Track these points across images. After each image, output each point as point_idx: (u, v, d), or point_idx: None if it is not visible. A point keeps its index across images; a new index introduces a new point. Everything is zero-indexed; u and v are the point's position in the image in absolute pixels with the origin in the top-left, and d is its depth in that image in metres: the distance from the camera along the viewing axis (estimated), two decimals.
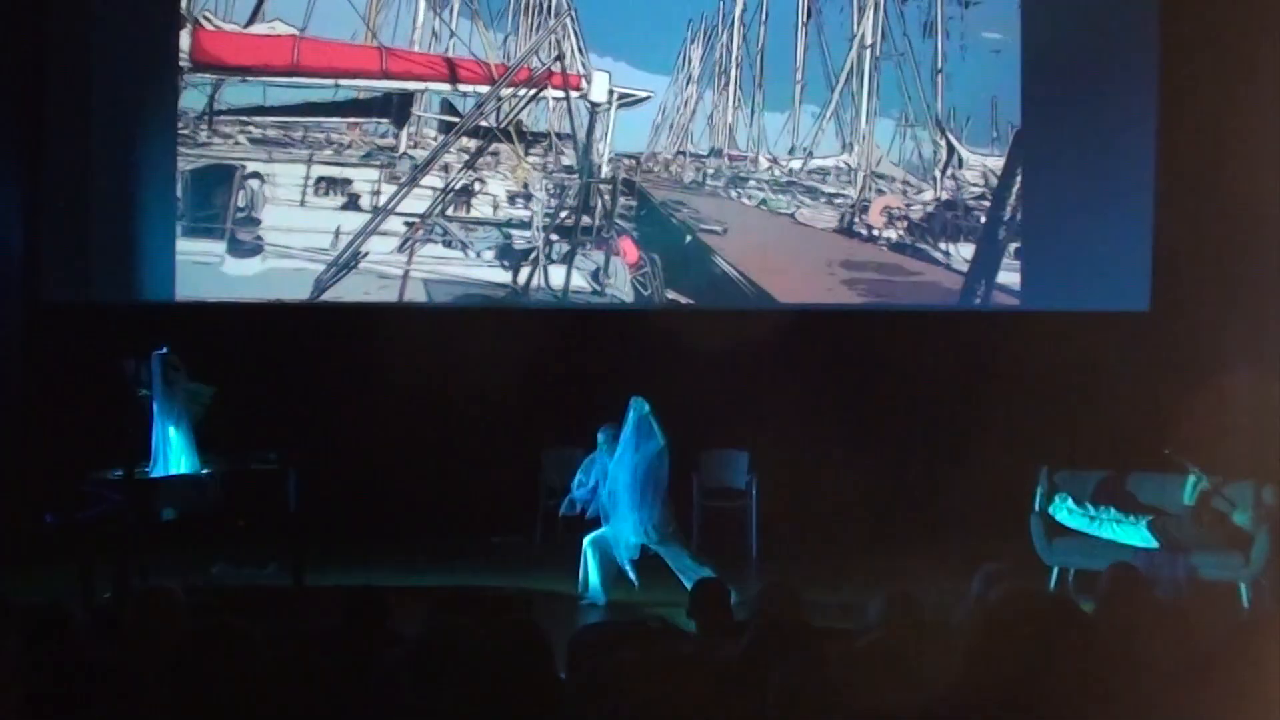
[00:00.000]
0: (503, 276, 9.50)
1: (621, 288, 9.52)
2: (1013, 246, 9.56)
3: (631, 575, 7.62)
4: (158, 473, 7.18)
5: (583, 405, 9.31)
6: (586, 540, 7.69)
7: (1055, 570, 7.96)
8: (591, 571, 7.65)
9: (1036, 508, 8.01)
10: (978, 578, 4.82)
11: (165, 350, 7.27)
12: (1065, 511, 7.94)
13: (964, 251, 9.59)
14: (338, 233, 9.43)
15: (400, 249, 9.46)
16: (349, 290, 9.44)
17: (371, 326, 9.26)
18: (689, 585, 7.45)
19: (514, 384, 9.04)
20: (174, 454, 7.24)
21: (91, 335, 8.77)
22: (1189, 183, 9.12)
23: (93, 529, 6.92)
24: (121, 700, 2.84)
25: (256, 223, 9.45)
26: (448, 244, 9.44)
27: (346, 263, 9.40)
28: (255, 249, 9.43)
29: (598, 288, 9.50)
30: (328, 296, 9.43)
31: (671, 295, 9.55)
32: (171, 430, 7.26)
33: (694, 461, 9.22)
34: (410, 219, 9.46)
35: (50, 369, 9.05)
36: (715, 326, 9.09)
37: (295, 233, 9.45)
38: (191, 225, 9.43)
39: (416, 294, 9.46)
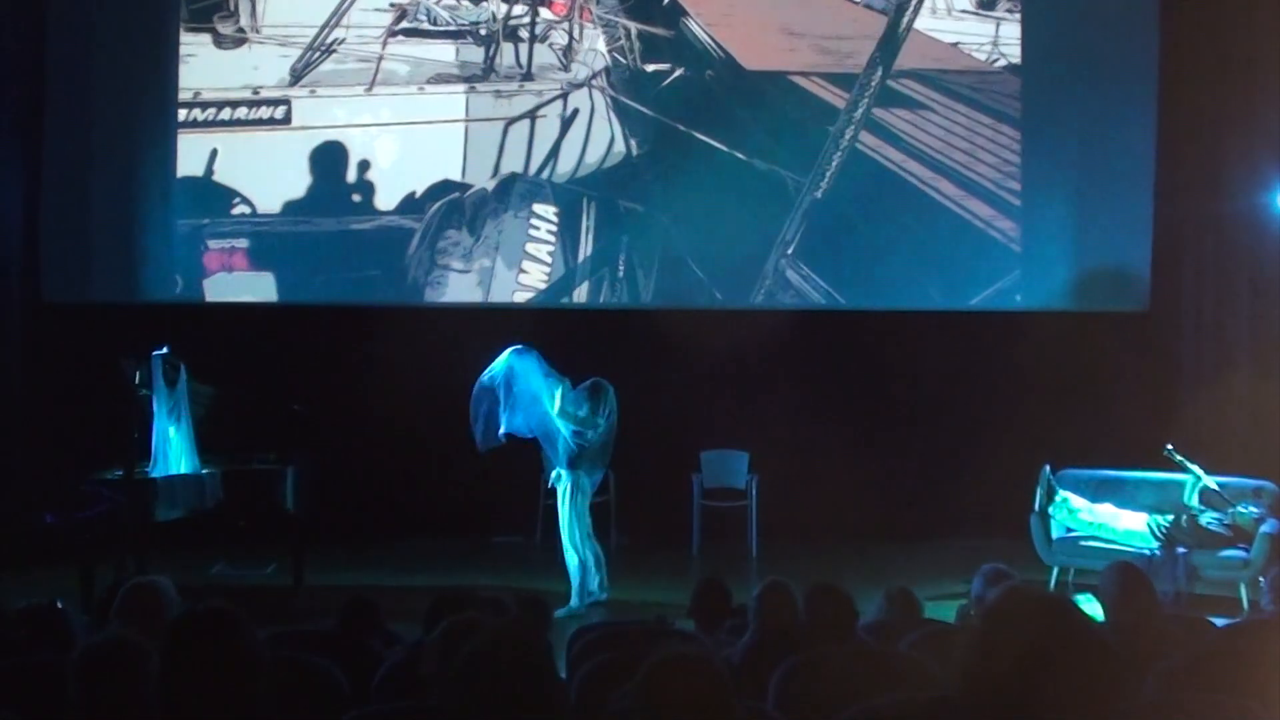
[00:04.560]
0: (475, 54, 9.47)
1: (593, 63, 9.45)
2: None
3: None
4: (158, 473, 7.18)
5: None
6: (569, 543, 7.63)
7: (1055, 570, 7.97)
8: (590, 570, 7.61)
9: (1036, 508, 8.01)
10: (978, 578, 4.82)
11: (165, 350, 7.27)
12: (1065, 511, 7.94)
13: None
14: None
15: (377, 38, 9.48)
16: (326, 77, 9.46)
17: (371, 326, 9.27)
18: (566, 561, 7.44)
19: None
20: (174, 454, 7.24)
21: (91, 335, 8.77)
22: (1189, 182, 9.12)
23: (93, 529, 6.91)
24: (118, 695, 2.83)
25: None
26: (431, 20, 9.46)
27: (322, 47, 9.44)
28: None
29: (564, 63, 9.44)
30: (304, 83, 9.45)
31: (650, 67, 9.44)
32: (171, 430, 7.26)
33: (694, 461, 9.21)
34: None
35: (50, 369, 9.05)
36: (715, 326, 9.08)
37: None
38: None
39: (389, 78, 9.47)
